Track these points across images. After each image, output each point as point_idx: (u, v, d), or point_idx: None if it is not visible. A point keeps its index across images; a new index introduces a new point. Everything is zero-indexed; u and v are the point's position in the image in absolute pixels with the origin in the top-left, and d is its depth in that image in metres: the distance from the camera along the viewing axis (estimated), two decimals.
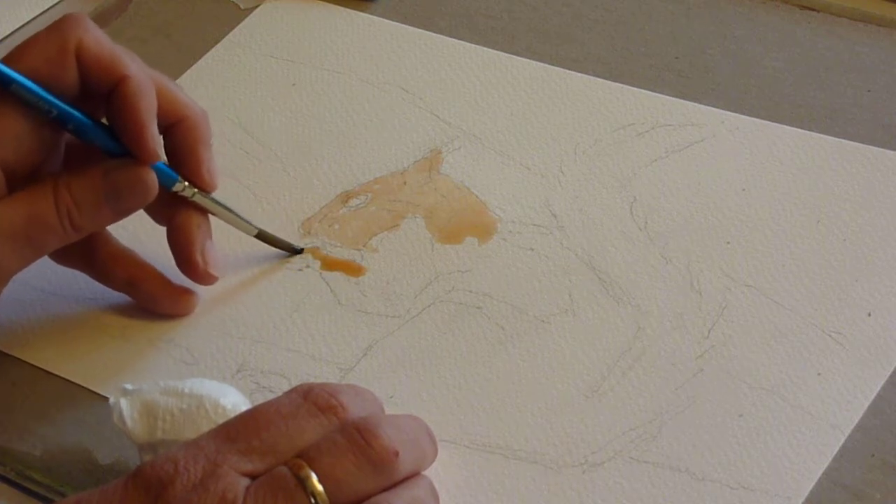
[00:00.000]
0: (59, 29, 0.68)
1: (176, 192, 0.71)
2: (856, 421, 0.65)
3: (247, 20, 0.90)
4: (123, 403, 0.63)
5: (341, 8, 0.89)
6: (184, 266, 0.72)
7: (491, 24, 0.87)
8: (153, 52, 0.88)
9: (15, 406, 0.70)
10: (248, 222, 0.74)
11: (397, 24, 0.88)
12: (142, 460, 0.62)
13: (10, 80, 0.66)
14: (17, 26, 0.90)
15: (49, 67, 0.67)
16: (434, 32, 0.87)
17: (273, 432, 0.59)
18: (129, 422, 0.62)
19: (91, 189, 0.68)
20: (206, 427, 0.61)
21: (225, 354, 0.71)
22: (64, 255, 0.72)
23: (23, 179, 0.68)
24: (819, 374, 0.67)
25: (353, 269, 0.74)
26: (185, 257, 0.72)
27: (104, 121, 0.69)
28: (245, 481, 0.57)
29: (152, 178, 0.68)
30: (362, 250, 0.75)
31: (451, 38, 0.86)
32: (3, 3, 0.92)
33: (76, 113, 0.68)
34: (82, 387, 0.70)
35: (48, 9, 0.92)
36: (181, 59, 0.87)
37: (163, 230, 0.73)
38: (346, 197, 0.78)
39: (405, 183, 0.78)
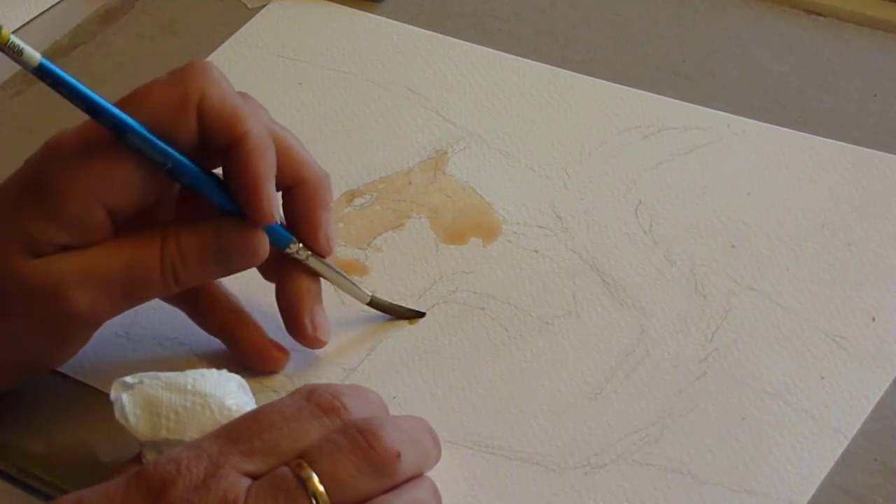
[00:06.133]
0: (183, 76, 0.65)
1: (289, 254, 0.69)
2: (858, 425, 0.65)
3: (254, 19, 0.89)
4: (125, 399, 0.62)
5: (348, 8, 0.89)
6: (292, 329, 0.69)
7: (498, 26, 0.87)
8: (159, 50, 0.88)
9: (17, 402, 0.70)
10: (360, 289, 0.71)
11: (404, 24, 0.88)
12: (144, 457, 0.62)
13: (126, 129, 0.63)
14: (17, 26, 0.90)
15: (169, 116, 0.64)
16: (441, 34, 0.87)
17: (275, 433, 0.59)
18: (131, 418, 0.62)
19: (199, 245, 0.65)
20: (210, 427, 0.61)
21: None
22: None
23: (131, 221, 0.66)
24: (822, 378, 0.67)
25: (356, 269, 0.74)
26: (293, 320, 0.69)
27: (220, 172, 0.67)
28: (246, 482, 0.57)
29: (263, 243, 0.66)
30: (366, 250, 0.75)
31: (457, 40, 0.86)
32: (4, 3, 0.91)
33: (192, 167, 0.65)
34: (85, 384, 0.70)
35: (48, 8, 0.91)
36: (187, 57, 0.86)
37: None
38: (350, 196, 0.78)
39: (410, 183, 0.78)
